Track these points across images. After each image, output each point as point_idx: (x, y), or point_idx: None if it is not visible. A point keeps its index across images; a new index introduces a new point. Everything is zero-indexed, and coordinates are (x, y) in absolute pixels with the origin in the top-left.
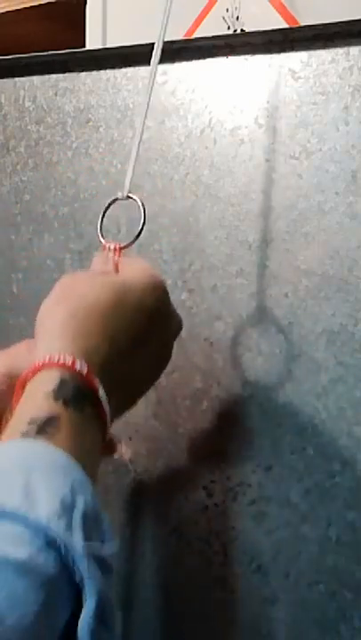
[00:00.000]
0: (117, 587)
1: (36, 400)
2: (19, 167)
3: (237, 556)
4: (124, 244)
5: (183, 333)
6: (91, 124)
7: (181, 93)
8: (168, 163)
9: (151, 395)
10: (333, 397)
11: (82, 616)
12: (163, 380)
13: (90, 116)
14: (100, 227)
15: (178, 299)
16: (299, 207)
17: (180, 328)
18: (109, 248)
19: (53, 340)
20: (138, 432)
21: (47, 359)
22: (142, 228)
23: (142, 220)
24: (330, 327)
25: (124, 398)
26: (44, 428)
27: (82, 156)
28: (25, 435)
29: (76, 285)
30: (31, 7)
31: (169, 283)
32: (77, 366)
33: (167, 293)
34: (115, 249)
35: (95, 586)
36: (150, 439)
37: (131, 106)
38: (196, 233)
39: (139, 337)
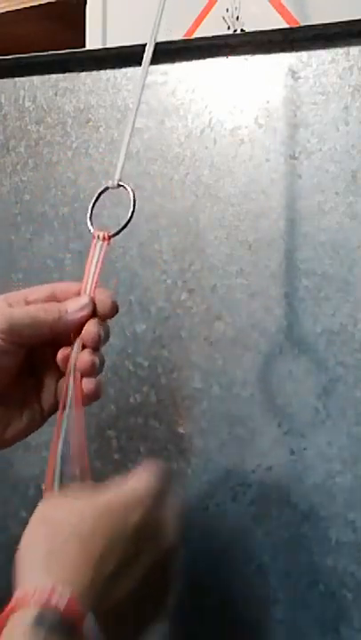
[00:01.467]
0: None
1: (22, 628)
2: (19, 167)
3: (237, 556)
4: (113, 232)
5: (183, 333)
6: (91, 123)
7: (181, 93)
8: (168, 163)
9: (151, 395)
10: (333, 397)
11: None
12: (163, 379)
13: (90, 115)
14: (90, 216)
15: (178, 299)
16: (299, 207)
17: (175, 545)
18: (98, 237)
19: (33, 574)
20: (138, 432)
21: (23, 595)
22: (132, 216)
23: (132, 208)
24: (330, 327)
25: (127, 627)
26: None
27: (82, 156)
28: None
29: (54, 514)
30: (31, 7)
31: (169, 283)
32: (53, 601)
33: (156, 506)
34: (104, 237)
35: None
36: (150, 439)
37: (131, 106)
38: (196, 233)
39: (128, 559)
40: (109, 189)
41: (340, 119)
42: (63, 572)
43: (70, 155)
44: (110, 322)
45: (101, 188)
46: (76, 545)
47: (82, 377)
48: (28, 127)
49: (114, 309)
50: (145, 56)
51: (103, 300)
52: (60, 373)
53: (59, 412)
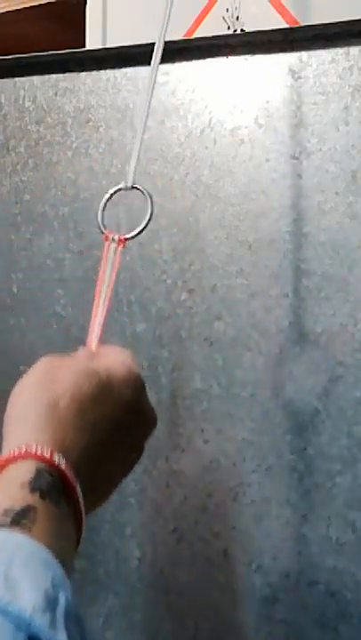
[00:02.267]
0: (118, 588)
1: (11, 490)
2: (19, 167)
3: (237, 555)
4: (129, 235)
5: (183, 333)
6: (91, 123)
7: (181, 93)
8: (168, 163)
9: (151, 395)
10: (333, 397)
11: None
12: (163, 379)
13: (90, 115)
14: (102, 217)
15: (178, 299)
16: (299, 207)
17: (154, 424)
18: (112, 239)
19: (31, 429)
20: None
21: (24, 450)
22: (150, 220)
23: (149, 211)
24: (330, 327)
25: (99, 493)
26: (18, 519)
27: (82, 156)
28: (0, 526)
29: (53, 373)
30: (31, 7)
31: (169, 283)
32: (55, 459)
33: (144, 388)
34: (119, 240)
35: None
36: (150, 439)
37: (131, 106)
38: (196, 233)
39: (116, 430)
40: (122, 190)
41: (341, 119)
42: (63, 432)
43: (70, 155)
44: (110, 322)
45: (114, 189)
46: (76, 408)
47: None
48: (28, 127)
49: None
50: (154, 56)
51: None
52: None
53: (98, 283)
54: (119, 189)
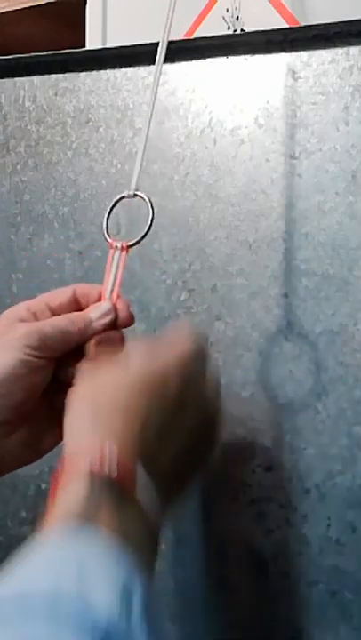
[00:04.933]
0: None
1: (76, 493)
2: (19, 167)
3: (237, 556)
4: (132, 241)
5: None
6: (91, 123)
7: (181, 93)
8: (168, 163)
9: None
10: (333, 397)
11: None
12: None
13: (90, 115)
14: (107, 225)
15: (178, 299)
16: (299, 207)
17: (217, 407)
18: (116, 247)
19: (87, 435)
20: None
21: (80, 454)
22: (150, 226)
23: (150, 218)
24: (330, 327)
25: (169, 488)
26: (89, 519)
27: (82, 156)
28: (70, 526)
29: (101, 387)
30: (31, 7)
31: (169, 283)
32: (106, 458)
33: (194, 373)
34: (122, 247)
35: None
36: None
37: (131, 106)
38: (196, 233)
39: (171, 420)
40: (125, 198)
41: (341, 119)
42: (111, 432)
43: (70, 155)
44: None
45: (117, 198)
46: (121, 412)
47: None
48: (28, 127)
49: (132, 319)
50: (158, 57)
51: (122, 310)
52: None
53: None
54: (123, 197)
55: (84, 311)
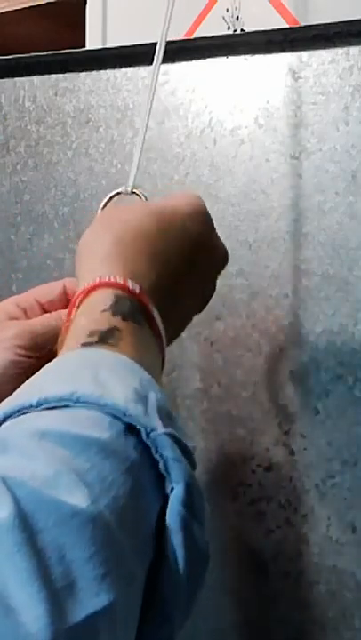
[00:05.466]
0: None
1: (94, 315)
2: (19, 167)
3: (238, 556)
4: None
5: (183, 333)
6: (91, 123)
7: (181, 93)
8: (168, 163)
9: None
10: (333, 397)
11: (170, 504)
12: (163, 379)
13: (90, 115)
14: None
15: None
16: (299, 207)
17: (225, 258)
18: None
19: (102, 264)
20: None
21: (98, 280)
22: None
23: None
24: (330, 327)
25: (174, 325)
26: (105, 338)
27: (82, 156)
28: (86, 345)
29: (120, 212)
30: (31, 7)
31: None
32: (130, 286)
33: (211, 221)
34: None
35: (182, 470)
36: None
37: (131, 106)
38: None
39: (185, 262)
40: (122, 194)
41: (341, 119)
42: (133, 264)
43: (70, 155)
44: None
45: (112, 193)
46: (143, 242)
47: None
48: (28, 127)
49: None
50: (156, 57)
51: None
52: None
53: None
54: (118, 193)
55: None
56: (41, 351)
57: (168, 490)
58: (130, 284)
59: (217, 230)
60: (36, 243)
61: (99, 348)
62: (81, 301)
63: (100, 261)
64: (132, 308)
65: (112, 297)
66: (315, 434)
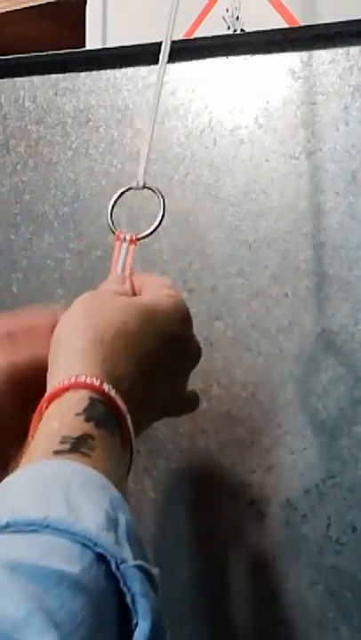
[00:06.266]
0: None
1: (67, 418)
2: (19, 167)
3: (237, 555)
4: (141, 234)
5: None
6: (91, 123)
7: (181, 93)
8: (168, 163)
9: None
10: (333, 397)
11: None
12: None
13: (90, 115)
14: (111, 215)
15: None
16: (299, 207)
17: (199, 356)
18: (124, 238)
19: (79, 361)
20: None
21: (73, 380)
22: (162, 219)
23: (161, 212)
24: (330, 327)
25: (142, 425)
26: (77, 446)
27: (82, 156)
28: (58, 453)
29: (100, 306)
30: (31, 7)
31: None
32: (105, 389)
33: (190, 321)
34: (130, 239)
35: (150, 605)
36: (150, 439)
37: (131, 106)
38: (196, 233)
39: (161, 365)
40: (133, 189)
41: (340, 119)
42: (110, 365)
43: (70, 155)
44: None
45: (124, 189)
46: (122, 343)
47: None
48: (28, 127)
49: None
50: (161, 56)
51: None
52: None
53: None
54: (130, 188)
55: None
56: (26, 388)
57: (133, 624)
58: (106, 387)
59: (217, 230)
60: (35, 243)
61: (72, 457)
62: (55, 399)
63: (77, 357)
64: (105, 414)
65: (87, 399)
66: (315, 434)
